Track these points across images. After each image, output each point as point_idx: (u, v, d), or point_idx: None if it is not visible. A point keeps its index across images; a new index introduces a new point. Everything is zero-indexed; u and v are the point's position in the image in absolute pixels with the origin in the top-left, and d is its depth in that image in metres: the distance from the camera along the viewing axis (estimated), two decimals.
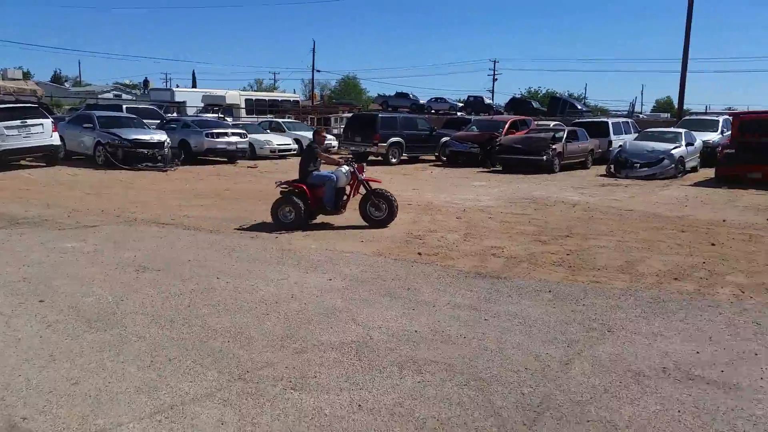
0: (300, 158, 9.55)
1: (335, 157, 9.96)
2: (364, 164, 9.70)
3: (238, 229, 8.73)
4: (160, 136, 17.71)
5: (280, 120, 27.64)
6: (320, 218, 9.22)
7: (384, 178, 16.50)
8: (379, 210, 9.03)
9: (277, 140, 22.67)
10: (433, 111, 44.08)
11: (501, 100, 55.67)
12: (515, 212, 10.77)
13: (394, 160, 20.78)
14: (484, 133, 21.07)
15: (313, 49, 59.72)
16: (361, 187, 9.12)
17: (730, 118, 18.71)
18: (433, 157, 22.61)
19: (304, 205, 8.69)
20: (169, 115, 27.51)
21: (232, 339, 4.55)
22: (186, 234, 8.34)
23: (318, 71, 61.27)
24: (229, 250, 7.35)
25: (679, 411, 3.47)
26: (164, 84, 69.65)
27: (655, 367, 4.07)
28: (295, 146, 23.20)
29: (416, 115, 28.51)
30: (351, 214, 9.19)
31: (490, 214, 10.53)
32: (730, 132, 17.13)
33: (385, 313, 5.12)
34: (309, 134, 25.69)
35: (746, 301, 5.61)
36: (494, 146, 19.47)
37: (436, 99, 48.65)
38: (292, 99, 40.85)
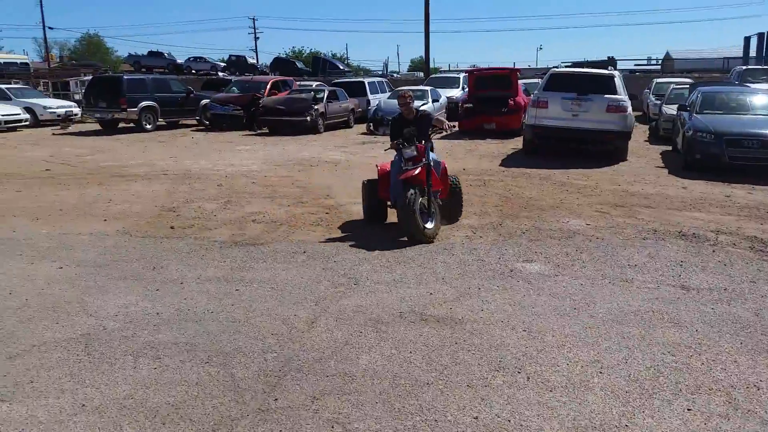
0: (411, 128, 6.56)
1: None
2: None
3: None
4: None
5: (3, 86, 23.74)
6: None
7: (137, 147, 15.32)
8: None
9: (1, 110, 19.53)
10: (192, 71, 41.70)
11: (266, 59, 54.76)
12: (279, 175, 10.70)
13: (149, 126, 19.29)
14: (246, 94, 20.50)
15: (41, 2, 51.72)
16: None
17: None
18: (194, 122, 21.47)
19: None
20: None
21: None
22: None
23: (50, 28, 53.56)
24: None
25: (410, 352, 3.72)
26: None
27: (393, 313, 4.34)
28: (26, 116, 20.25)
29: (168, 76, 26.71)
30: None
31: (253, 178, 10.31)
32: None
33: (123, 299, 4.68)
34: (44, 102, 22.63)
35: (475, 241, 6.27)
36: (258, 108, 19.07)
37: (196, 59, 45.97)
38: (19, 61, 35.34)
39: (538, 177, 10.13)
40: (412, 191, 6.05)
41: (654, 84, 20.42)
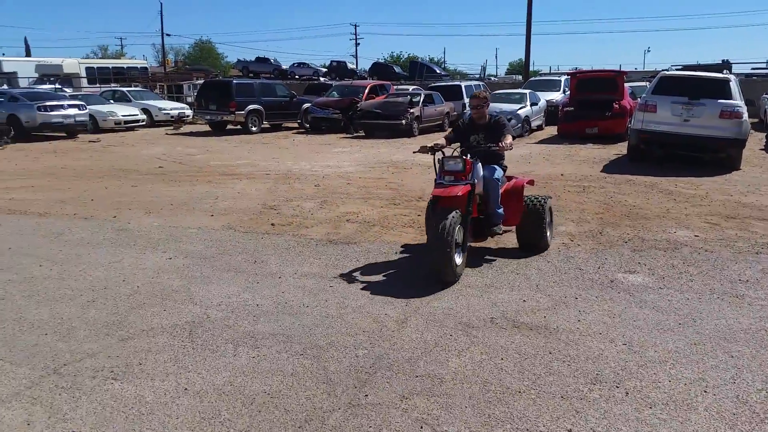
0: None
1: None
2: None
3: (76, 215, 8.01)
4: None
5: (124, 89, 25.72)
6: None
7: (243, 147, 16.06)
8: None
9: (122, 111, 21.19)
10: (296, 76, 43.18)
11: (366, 64, 55.73)
12: (373, 177, 10.85)
13: (254, 129, 20.17)
14: (345, 98, 20.99)
15: (161, 10, 55.58)
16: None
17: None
18: (296, 125, 22.21)
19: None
20: None
21: (51, 331, 4.15)
22: (8, 219, 7.51)
23: (168, 35, 57.32)
24: (57, 235, 6.71)
25: (501, 358, 3.66)
26: None
27: (484, 318, 4.27)
28: (143, 117, 21.83)
29: (274, 81, 27.81)
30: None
31: (348, 180, 10.52)
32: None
33: (226, 290, 4.92)
34: (159, 103, 24.23)
35: (573, 249, 6.05)
36: (355, 111, 19.46)
37: (299, 64, 47.59)
38: (139, 66, 38.27)
39: (643, 184, 9.64)
40: (452, 216, 4.84)
41: None
